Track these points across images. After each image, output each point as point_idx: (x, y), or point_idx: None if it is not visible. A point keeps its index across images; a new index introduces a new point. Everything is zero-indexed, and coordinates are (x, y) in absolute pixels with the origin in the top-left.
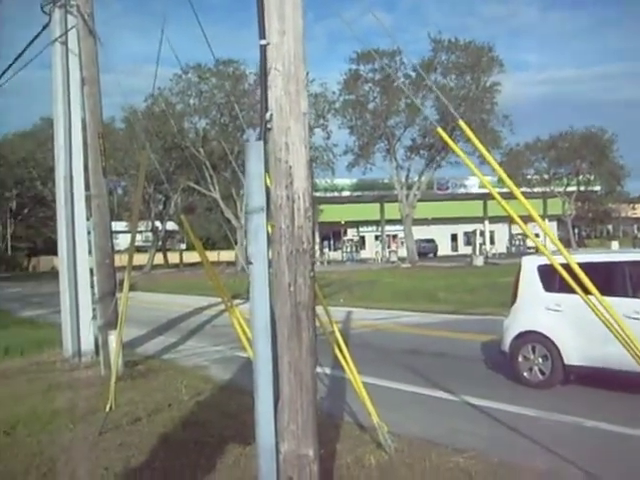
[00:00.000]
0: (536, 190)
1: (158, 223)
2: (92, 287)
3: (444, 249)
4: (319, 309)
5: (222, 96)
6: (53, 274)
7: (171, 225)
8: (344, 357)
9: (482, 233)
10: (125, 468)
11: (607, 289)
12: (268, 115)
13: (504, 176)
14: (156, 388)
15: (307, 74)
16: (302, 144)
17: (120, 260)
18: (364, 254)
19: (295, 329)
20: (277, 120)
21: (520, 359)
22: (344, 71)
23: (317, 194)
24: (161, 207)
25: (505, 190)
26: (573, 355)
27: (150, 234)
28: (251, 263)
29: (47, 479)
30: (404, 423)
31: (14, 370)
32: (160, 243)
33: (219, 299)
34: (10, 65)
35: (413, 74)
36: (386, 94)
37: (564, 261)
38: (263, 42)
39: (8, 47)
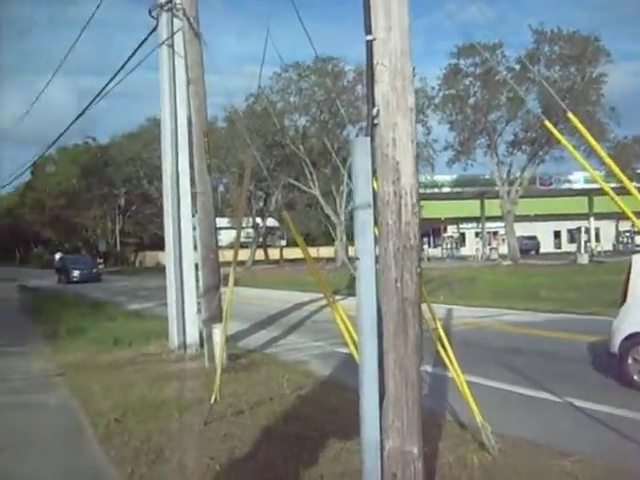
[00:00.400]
0: None
1: (259, 219)
2: (197, 281)
3: (546, 246)
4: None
5: (322, 93)
6: (158, 269)
7: (271, 221)
8: (447, 354)
9: (587, 230)
10: (229, 459)
11: None
12: (375, 111)
13: (616, 169)
14: (258, 381)
15: (413, 69)
16: (409, 139)
17: (222, 256)
18: (464, 251)
19: (401, 325)
20: (384, 115)
21: (630, 361)
22: (443, 66)
23: None
24: (262, 204)
25: (613, 185)
26: None
27: (251, 230)
28: (358, 259)
29: (155, 466)
30: (506, 423)
31: (123, 360)
32: (261, 239)
33: (319, 295)
34: (120, 68)
35: (516, 67)
36: (487, 88)
37: None
38: (369, 38)
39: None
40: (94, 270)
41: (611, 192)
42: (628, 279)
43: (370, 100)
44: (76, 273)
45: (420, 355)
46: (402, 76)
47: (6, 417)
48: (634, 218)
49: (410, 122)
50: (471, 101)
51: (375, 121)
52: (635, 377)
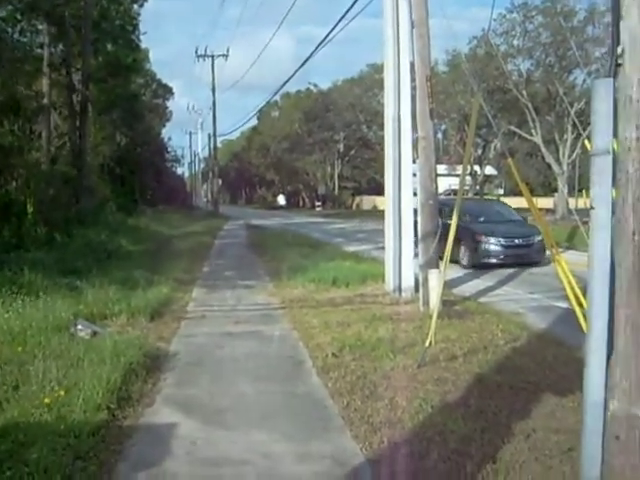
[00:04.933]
0: None
1: (477, 167)
2: (415, 227)
3: None
4: None
5: (548, 35)
6: (374, 213)
7: (489, 170)
8: None
9: None
10: (441, 402)
11: None
12: (619, 49)
13: None
14: (472, 329)
15: None
16: None
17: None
18: None
19: (636, 281)
20: (630, 54)
21: None
22: None
23: None
24: (480, 151)
25: None
26: None
27: (468, 178)
28: (592, 208)
29: (369, 401)
30: None
31: (340, 299)
32: (478, 187)
33: None
34: (344, 15)
35: None
36: None
37: None
38: None
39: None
40: (535, 239)
41: None
42: None
43: (614, 38)
44: (496, 248)
45: None
46: None
47: (236, 345)
48: None
49: None
50: None
51: (619, 61)
52: None
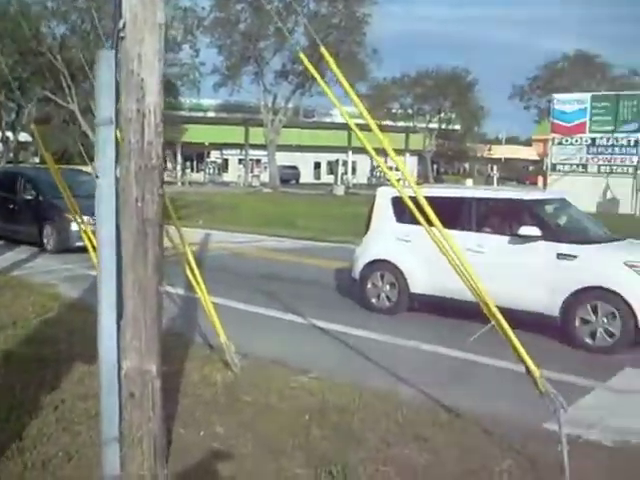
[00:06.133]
0: (399, 124)
1: (10, 134)
2: None
3: (307, 177)
4: (173, 230)
5: (83, 0)
6: None
7: (24, 136)
8: (194, 277)
9: (345, 163)
10: None
11: (454, 223)
12: (121, 23)
13: (361, 107)
14: (1, 305)
15: None
16: (156, 57)
17: None
18: (226, 177)
19: (141, 246)
20: (130, 30)
21: (369, 286)
22: None
23: (181, 113)
24: (13, 116)
25: (360, 121)
26: (419, 284)
27: (0, 145)
28: (97, 177)
29: None
30: (252, 344)
31: None
32: (12, 155)
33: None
34: None
35: None
36: (257, 16)
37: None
38: None
39: None
40: None
41: (355, 128)
42: (372, 211)
43: (118, 12)
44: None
45: (160, 276)
46: None
47: None
48: (374, 154)
49: (158, 39)
50: (241, 27)
51: (121, 34)
52: (373, 300)
